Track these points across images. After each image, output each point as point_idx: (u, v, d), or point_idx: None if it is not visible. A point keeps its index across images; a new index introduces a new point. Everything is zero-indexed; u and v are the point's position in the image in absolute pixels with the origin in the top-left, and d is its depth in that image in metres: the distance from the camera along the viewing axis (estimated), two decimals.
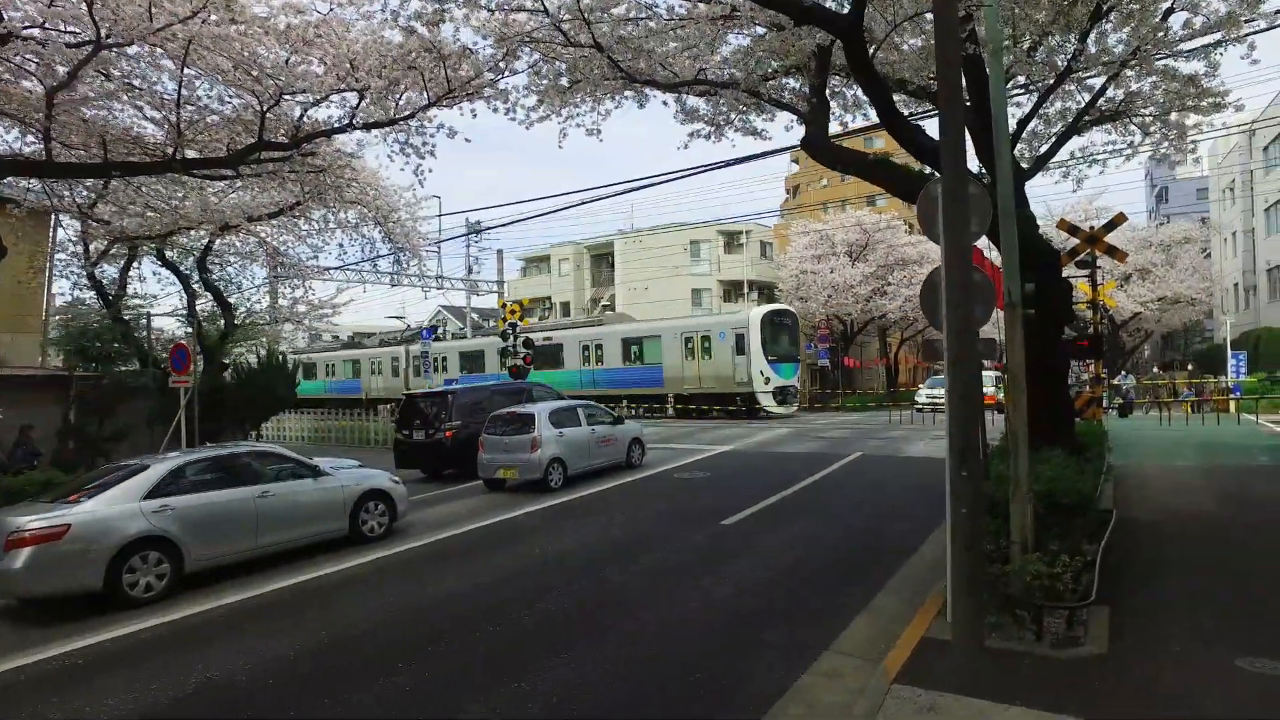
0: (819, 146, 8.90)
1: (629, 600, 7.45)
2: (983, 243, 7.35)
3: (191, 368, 15.72)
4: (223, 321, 20.60)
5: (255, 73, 10.82)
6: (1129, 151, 11.79)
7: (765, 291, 45.41)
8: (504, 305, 23.69)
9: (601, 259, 52.50)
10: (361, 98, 12.31)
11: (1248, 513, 9.54)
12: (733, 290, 45.90)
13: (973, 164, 7.81)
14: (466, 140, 12.80)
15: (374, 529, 10.72)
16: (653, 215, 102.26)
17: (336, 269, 25.36)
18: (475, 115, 17.33)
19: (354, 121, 12.73)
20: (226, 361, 21.63)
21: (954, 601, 5.32)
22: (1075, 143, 11.88)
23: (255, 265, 24.19)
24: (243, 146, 11.80)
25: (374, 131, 13.09)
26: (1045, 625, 5.69)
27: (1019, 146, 10.58)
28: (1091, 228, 12.94)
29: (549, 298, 54.24)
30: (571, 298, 52.79)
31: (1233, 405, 21.02)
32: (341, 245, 22.63)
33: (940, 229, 5.74)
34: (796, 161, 61.34)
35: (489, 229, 39.50)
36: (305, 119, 12.33)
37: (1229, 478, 11.62)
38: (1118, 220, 12.68)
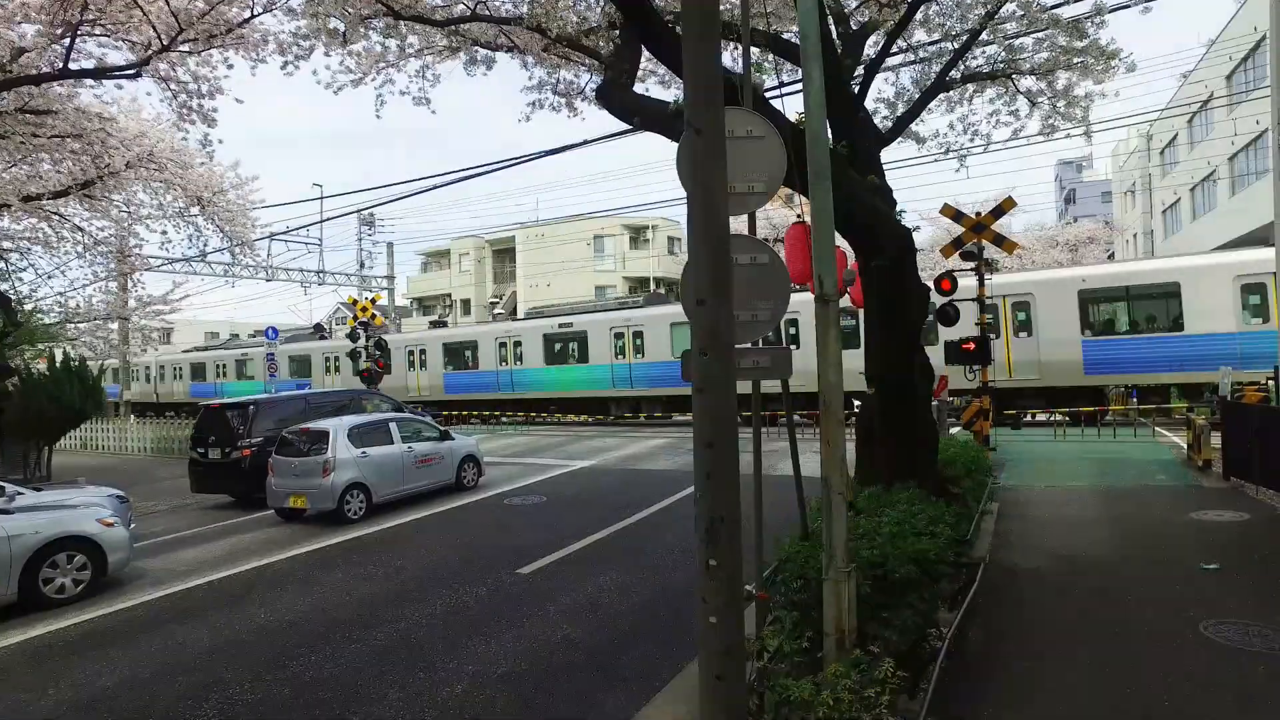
0: (613, 96, 6.79)
1: (334, 698, 5.23)
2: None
3: None
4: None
5: None
6: (1016, 125, 10.13)
7: (673, 288, 43.59)
8: (353, 301, 21.01)
9: (505, 254, 49.82)
10: (73, 39, 9.71)
11: (1143, 551, 7.89)
12: (639, 287, 43.92)
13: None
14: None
15: (64, 589, 8.20)
16: (563, 207, 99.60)
17: (165, 261, 22.21)
18: (243, 70, 14.68)
19: (68, 67, 10.11)
20: (12, 366, 18.37)
21: None
22: (957, 114, 10.17)
23: (60, 256, 21.05)
24: None
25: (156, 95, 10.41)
26: None
27: (877, 109, 8.77)
28: (978, 214, 11.29)
29: (449, 294, 51.27)
30: (472, 294, 49.97)
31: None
32: (165, 233, 19.38)
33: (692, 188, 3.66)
34: None
35: (368, 208, 36.43)
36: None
37: (1127, 502, 10.07)
38: (1006, 206, 11.05)
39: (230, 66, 10.84)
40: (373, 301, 21.02)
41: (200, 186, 18.14)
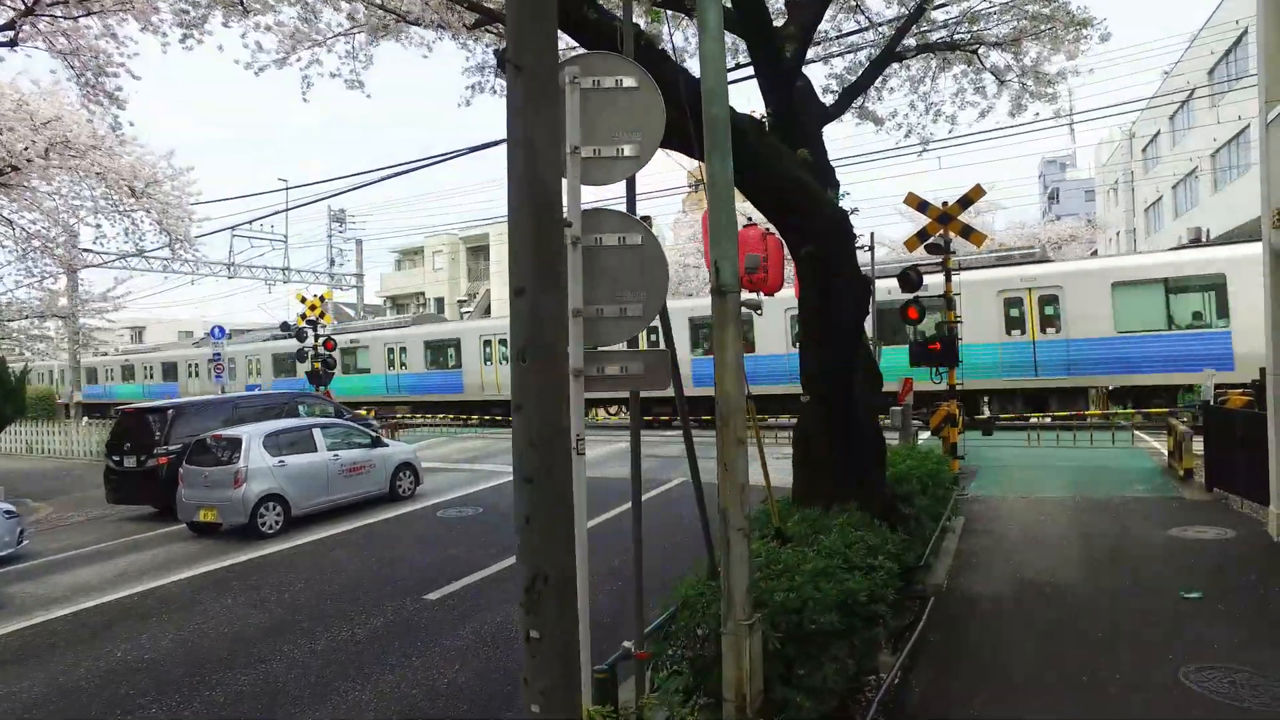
0: (502, 63, 5.91)
1: None
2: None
3: None
4: None
5: None
6: (984, 104, 9.33)
7: None
8: (301, 299, 19.98)
9: (479, 251, 48.76)
10: None
11: (1118, 575, 7.09)
12: None
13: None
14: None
15: None
16: None
17: (116, 256, 21.07)
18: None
19: None
20: None
21: None
22: (919, 92, 9.34)
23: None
24: None
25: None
26: None
27: (829, 85, 7.92)
28: (945, 204, 10.47)
29: (422, 292, 50.19)
30: (446, 292, 48.91)
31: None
32: (99, 225, 18.28)
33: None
34: None
35: (333, 196, 35.35)
36: None
37: (1101, 516, 9.28)
38: (974, 194, 10.24)
39: (117, 37, 9.84)
40: (321, 299, 20.04)
41: (130, 176, 17.09)
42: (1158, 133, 33.29)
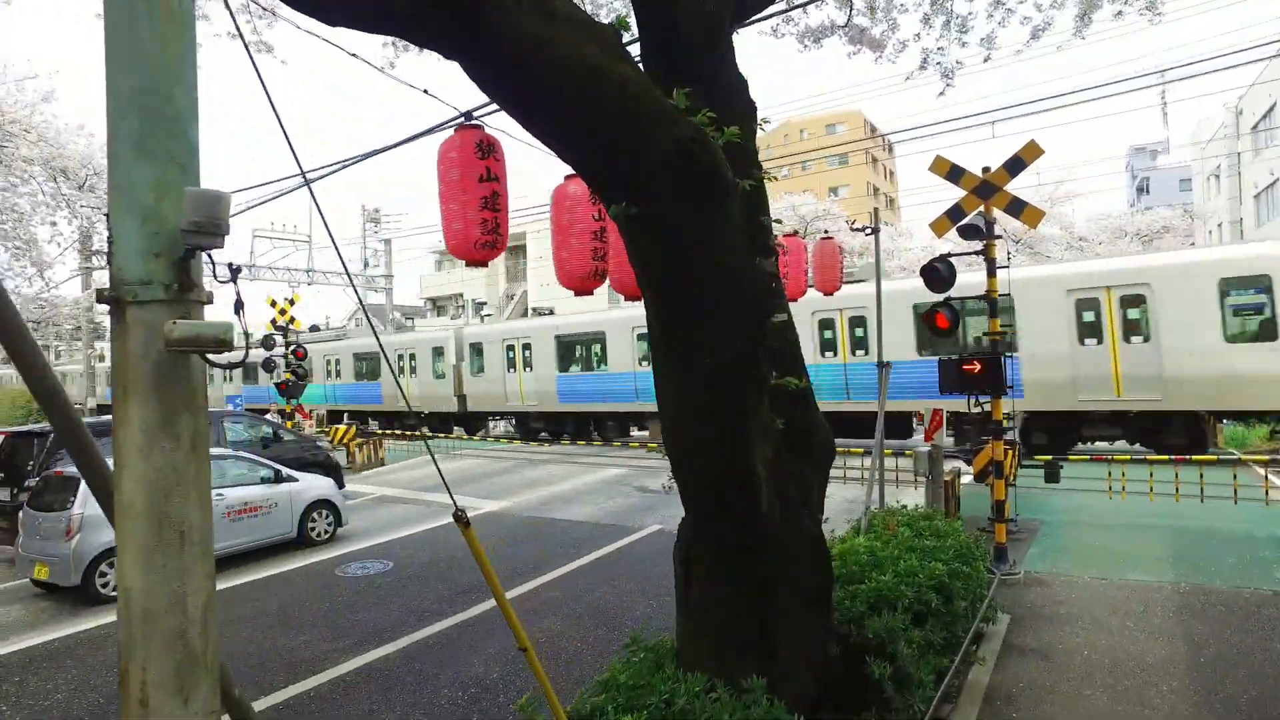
0: None
1: None
2: None
3: None
4: None
5: None
6: (1037, 21, 6.46)
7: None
8: (272, 303, 18.08)
9: (518, 250, 46.86)
10: None
11: None
12: None
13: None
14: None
15: None
16: None
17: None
18: None
19: None
20: None
21: None
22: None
23: None
24: None
25: None
26: None
27: None
28: (986, 170, 7.56)
29: (461, 293, 48.62)
30: (484, 293, 47.22)
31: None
32: (54, 224, 16.82)
33: None
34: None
35: (351, 162, 33.82)
36: None
37: (1229, 622, 6.27)
38: (1027, 154, 7.28)
39: None
40: (291, 303, 18.14)
41: (78, 165, 15.50)
42: (1273, 106, 28.84)
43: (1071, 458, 12.54)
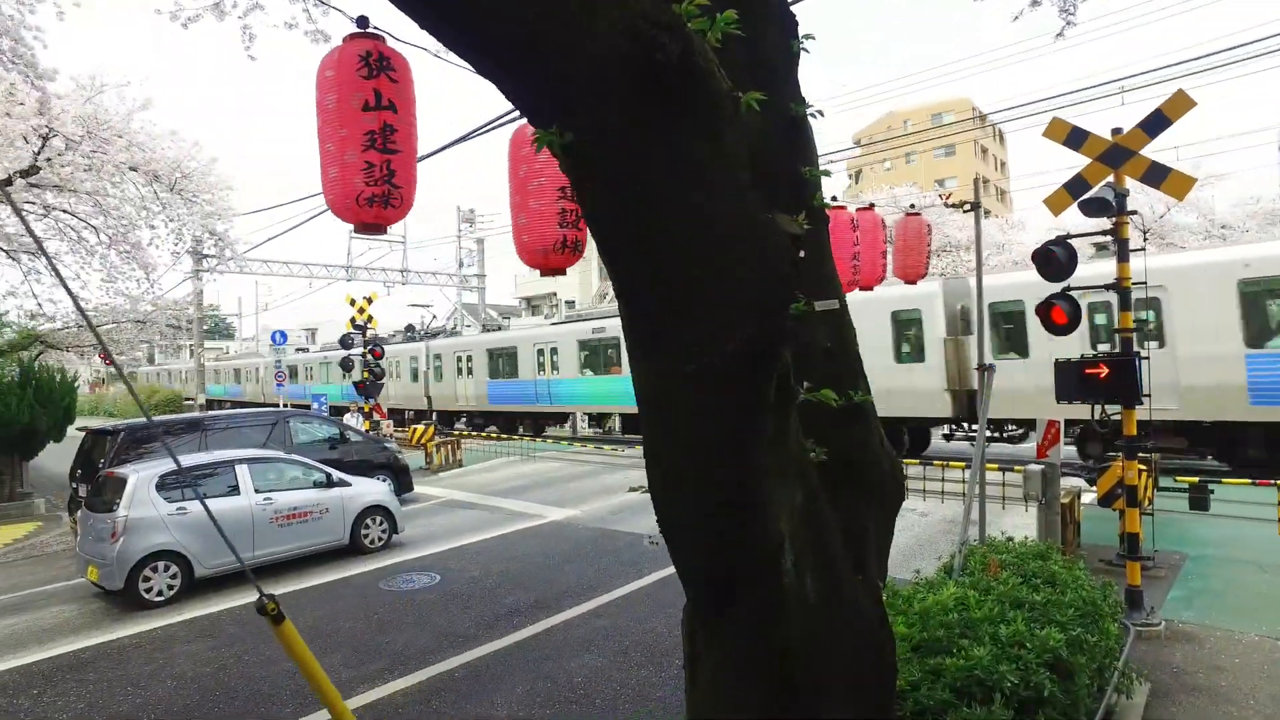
0: None
1: None
2: None
3: None
4: None
5: None
6: None
7: None
8: (351, 302, 18.04)
9: None
10: None
11: None
12: None
13: None
14: None
15: None
16: None
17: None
18: None
19: None
20: None
21: None
22: None
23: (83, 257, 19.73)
24: None
25: None
26: None
27: None
28: (1117, 131, 6.24)
29: (554, 293, 48.69)
30: (577, 293, 47.10)
31: None
32: (154, 228, 17.28)
33: None
34: (858, 143, 54.14)
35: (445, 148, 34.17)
36: None
37: None
38: (1172, 109, 5.92)
39: None
40: (370, 301, 18.05)
41: (169, 169, 15.83)
42: None
43: (1226, 480, 10.52)
